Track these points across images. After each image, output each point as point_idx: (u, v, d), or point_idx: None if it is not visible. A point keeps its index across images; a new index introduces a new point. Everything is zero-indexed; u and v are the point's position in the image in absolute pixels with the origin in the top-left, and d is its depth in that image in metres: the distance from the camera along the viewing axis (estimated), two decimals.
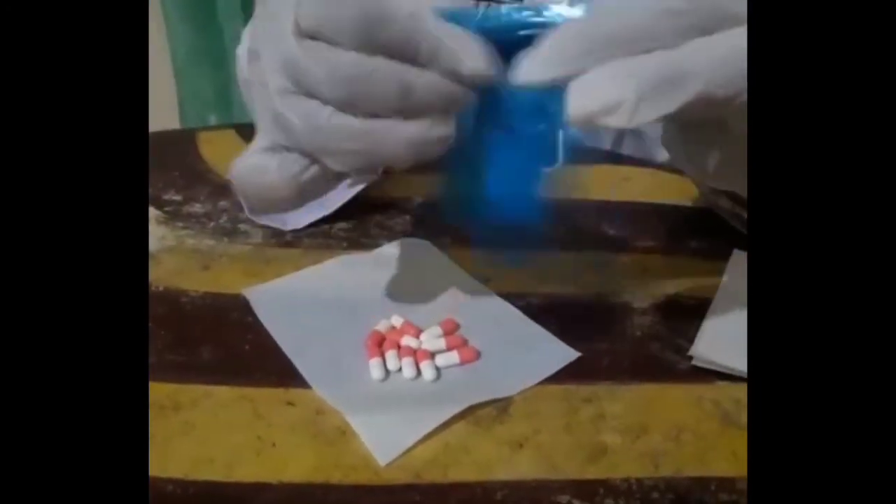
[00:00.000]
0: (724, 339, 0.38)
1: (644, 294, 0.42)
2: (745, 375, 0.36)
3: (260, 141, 0.33)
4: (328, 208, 0.48)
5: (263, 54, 0.31)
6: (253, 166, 0.33)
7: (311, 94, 0.30)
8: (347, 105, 0.29)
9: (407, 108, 0.28)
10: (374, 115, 0.29)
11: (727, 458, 0.33)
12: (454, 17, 0.28)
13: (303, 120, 0.30)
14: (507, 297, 0.41)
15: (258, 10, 0.35)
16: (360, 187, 0.49)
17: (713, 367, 0.36)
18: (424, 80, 0.28)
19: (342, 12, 0.28)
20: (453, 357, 0.36)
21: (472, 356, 0.36)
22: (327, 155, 0.31)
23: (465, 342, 0.37)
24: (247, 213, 0.47)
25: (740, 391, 0.36)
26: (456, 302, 0.40)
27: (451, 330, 0.38)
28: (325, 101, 0.29)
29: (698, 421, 0.34)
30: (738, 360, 0.36)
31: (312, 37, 0.29)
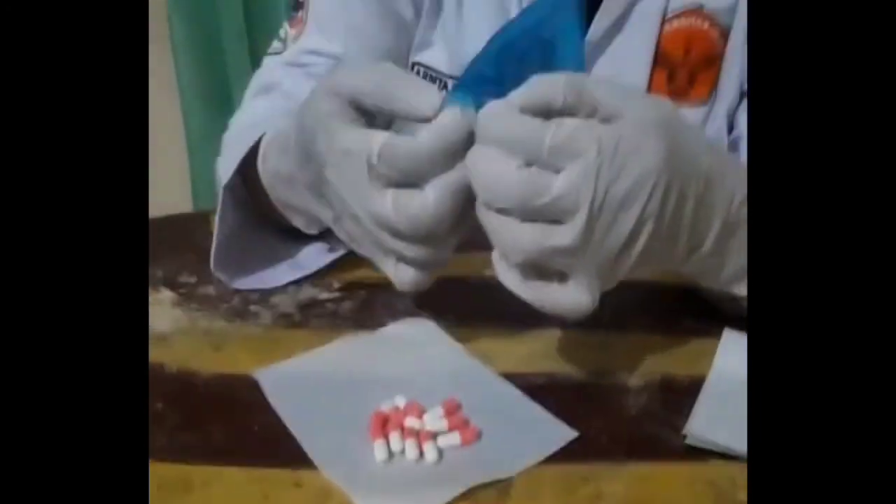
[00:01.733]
0: (717, 419, 0.39)
1: (639, 373, 0.43)
2: (739, 454, 0.37)
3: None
4: (305, 269, 0.51)
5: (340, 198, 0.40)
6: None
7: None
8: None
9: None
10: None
11: None
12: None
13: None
14: (507, 375, 0.42)
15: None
16: (338, 254, 0.52)
17: (707, 447, 0.37)
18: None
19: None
20: (455, 438, 0.37)
21: (474, 437, 0.38)
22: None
23: (466, 422, 0.38)
24: (230, 285, 0.50)
25: (734, 470, 0.37)
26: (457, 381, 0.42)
27: (452, 410, 0.39)
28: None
29: (694, 499, 0.35)
30: (731, 439, 0.37)
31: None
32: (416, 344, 0.45)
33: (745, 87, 0.61)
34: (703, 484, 0.36)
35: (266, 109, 0.58)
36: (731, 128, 0.63)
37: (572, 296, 0.37)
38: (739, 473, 0.37)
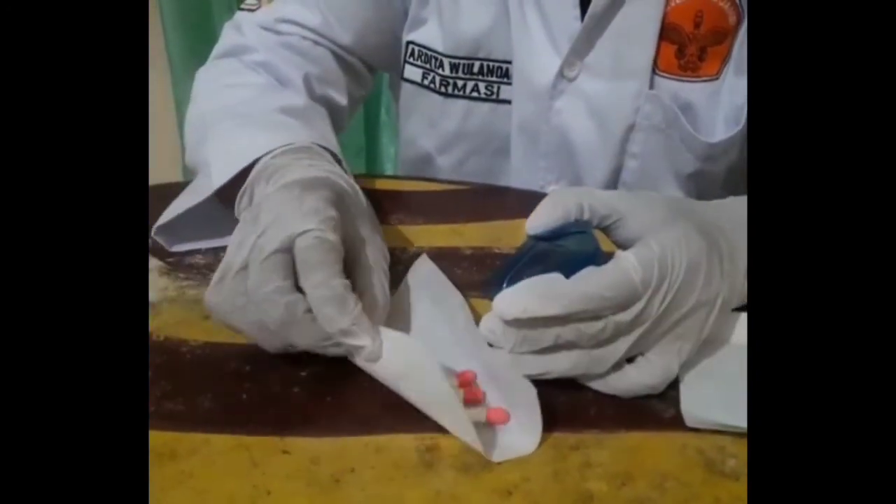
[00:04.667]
0: (710, 396, 0.38)
1: None
2: (742, 430, 0.37)
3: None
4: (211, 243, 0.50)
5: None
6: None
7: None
8: None
9: None
10: None
11: None
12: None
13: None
14: None
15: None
16: None
17: (708, 426, 0.37)
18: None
19: None
20: (482, 414, 0.37)
21: (503, 418, 0.37)
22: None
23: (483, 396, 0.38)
24: (169, 248, 0.49)
25: (724, 439, 0.37)
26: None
27: (468, 381, 0.38)
28: None
29: (683, 469, 0.35)
30: (729, 416, 0.37)
31: None
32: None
33: None
34: (693, 452, 0.36)
35: (239, 87, 0.56)
36: None
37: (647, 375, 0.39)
38: (729, 443, 0.37)
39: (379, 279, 0.40)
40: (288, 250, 0.37)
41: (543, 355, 0.38)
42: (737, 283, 0.40)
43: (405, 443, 0.36)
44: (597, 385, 0.39)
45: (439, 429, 0.37)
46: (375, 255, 0.41)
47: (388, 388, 0.39)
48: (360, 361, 0.38)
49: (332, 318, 0.36)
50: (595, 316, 0.37)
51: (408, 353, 0.37)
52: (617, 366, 0.38)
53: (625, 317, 0.37)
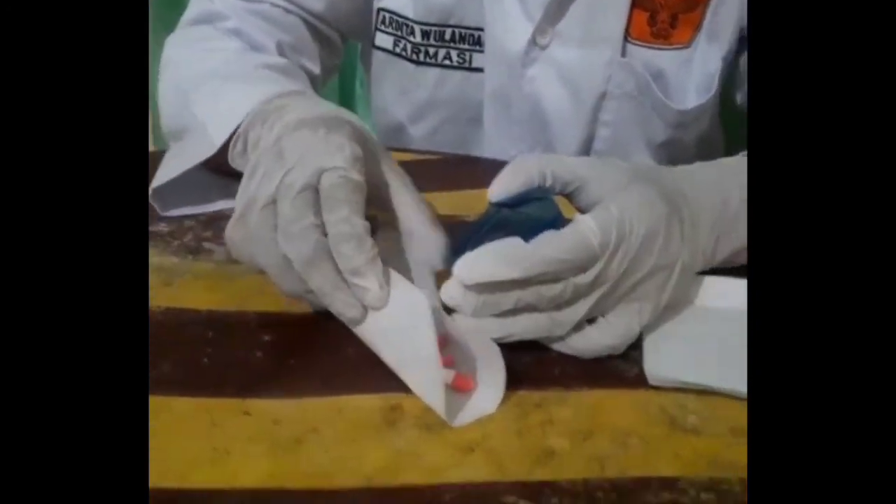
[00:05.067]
0: (672, 355, 0.39)
1: None
2: (703, 387, 0.37)
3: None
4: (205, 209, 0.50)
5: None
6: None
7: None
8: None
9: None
10: None
11: (670, 459, 0.34)
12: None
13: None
14: None
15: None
16: None
17: (670, 385, 0.37)
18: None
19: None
20: (449, 376, 0.36)
21: (468, 385, 0.37)
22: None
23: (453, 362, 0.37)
24: (161, 213, 0.48)
25: (685, 397, 0.37)
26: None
27: (442, 344, 0.38)
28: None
29: (645, 425, 0.36)
30: (692, 374, 0.37)
31: None
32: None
33: (746, 31, 0.60)
34: (655, 409, 0.36)
35: (217, 51, 0.56)
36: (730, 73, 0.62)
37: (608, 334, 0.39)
38: (691, 400, 0.37)
39: (411, 209, 0.41)
40: (315, 187, 0.37)
41: (504, 318, 0.38)
42: (698, 247, 0.40)
43: (368, 403, 0.36)
44: (558, 346, 0.39)
45: (402, 389, 0.37)
46: (402, 182, 0.41)
47: (351, 350, 0.39)
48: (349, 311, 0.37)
49: (348, 255, 0.36)
50: (554, 278, 0.36)
51: (412, 305, 0.36)
52: (578, 327, 0.38)
53: (584, 279, 0.37)
